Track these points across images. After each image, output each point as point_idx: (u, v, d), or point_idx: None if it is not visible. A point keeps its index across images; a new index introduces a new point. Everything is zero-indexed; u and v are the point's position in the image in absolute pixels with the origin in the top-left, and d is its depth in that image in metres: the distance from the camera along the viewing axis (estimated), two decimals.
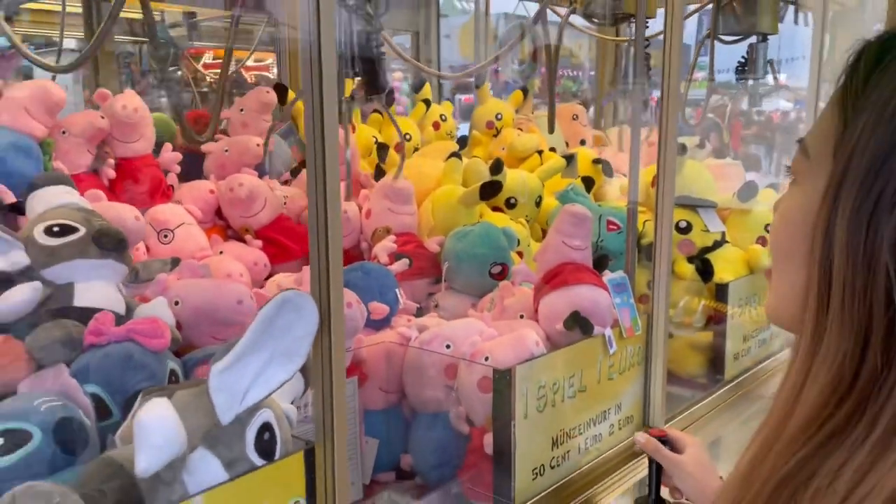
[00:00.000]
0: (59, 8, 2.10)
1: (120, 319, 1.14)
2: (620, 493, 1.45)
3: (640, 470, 1.47)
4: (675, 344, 1.80)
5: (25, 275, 1.15)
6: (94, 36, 1.17)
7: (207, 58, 3.26)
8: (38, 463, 0.86)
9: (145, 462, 0.74)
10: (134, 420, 0.76)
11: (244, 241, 1.90)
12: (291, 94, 2.14)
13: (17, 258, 1.13)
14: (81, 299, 1.16)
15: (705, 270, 1.90)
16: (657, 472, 1.30)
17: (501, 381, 1.24)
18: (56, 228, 1.18)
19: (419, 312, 1.69)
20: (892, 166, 0.55)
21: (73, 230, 1.19)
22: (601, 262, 1.84)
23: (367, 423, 1.40)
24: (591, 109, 3.48)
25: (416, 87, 2.56)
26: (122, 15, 3.30)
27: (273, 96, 2.07)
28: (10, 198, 1.47)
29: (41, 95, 1.60)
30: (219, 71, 3.22)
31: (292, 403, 0.99)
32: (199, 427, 0.84)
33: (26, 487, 0.70)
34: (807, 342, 0.60)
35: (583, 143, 3.02)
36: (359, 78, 1.44)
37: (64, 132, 1.68)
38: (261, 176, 2.00)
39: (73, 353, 1.06)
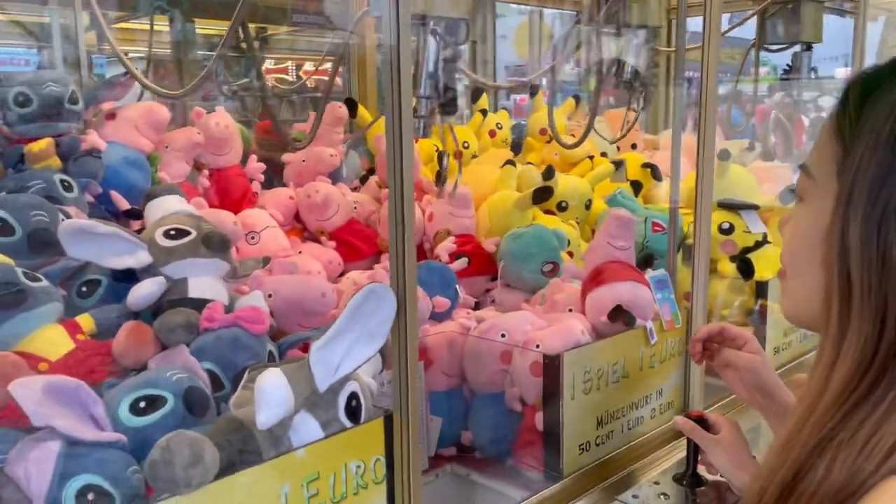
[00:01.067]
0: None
1: (224, 309, 1.35)
2: (661, 471, 1.60)
3: (679, 451, 1.62)
4: None
5: (148, 271, 1.37)
6: (206, 69, 1.38)
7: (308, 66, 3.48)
8: (171, 422, 1.06)
9: (264, 417, 0.94)
10: (255, 385, 0.96)
11: (319, 242, 2.11)
12: (361, 108, 2.35)
13: (142, 257, 1.35)
14: (194, 291, 1.37)
15: (746, 269, 2.02)
16: (695, 452, 1.44)
17: (551, 366, 1.40)
18: (173, 232, 1.40)
19: (477, 306, 1.88)
20: (893, 180, 0.68)
21: (187, 233, 1.41)
22: (647, 260, 1.99)
23: (432, 403, 1.58)
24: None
25: (474, 98, 2.74)
26: (202, 31, 3.54)
27: (345, 111, 2.27)
28: (125, 204, 1.71)
29: (148, 115, 1.84)
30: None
31: (373, 378, 1.18)
32: (302, 393, 1.03)
33: (177, 433, 0.91)
34: (834, 332, 0.73)
35: (634, 147, 3.15)
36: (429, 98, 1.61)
37: (167, 147, 1.92)
38: (334, 183, 2.21)
39: (190, 335, 1.27)
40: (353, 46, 2.41)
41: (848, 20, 2.87)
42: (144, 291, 1.29)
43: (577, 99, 3.09)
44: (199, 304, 1.34)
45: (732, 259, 2.12)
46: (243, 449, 0.97)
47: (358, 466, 1.08)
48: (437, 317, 1.70)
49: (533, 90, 2.84)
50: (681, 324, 1.69)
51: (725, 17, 2.58)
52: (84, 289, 1.39)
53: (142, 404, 1.06)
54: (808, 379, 0.76)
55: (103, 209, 1.71)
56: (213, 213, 1.65)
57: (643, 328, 1.58)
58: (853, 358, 0.70)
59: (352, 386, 1.08)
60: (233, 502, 0.94)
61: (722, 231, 2.14)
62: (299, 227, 2.16)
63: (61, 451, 0.94)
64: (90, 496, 0.94)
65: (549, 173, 2.16)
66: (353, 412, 1.08)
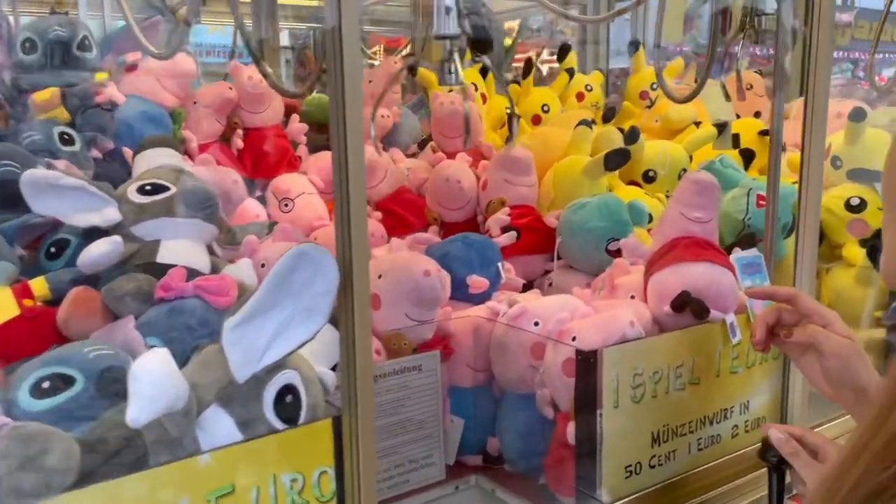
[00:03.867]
0: None
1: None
2: None
3: None
4: None
5: (118, 231, 1.19)
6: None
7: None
8: (78, 408, 0.87)
9: (135, 412, 0.71)
10: (130, 370, 0.74)
11: None
12: (422, 68, 2.10)
13: (109, 215, 1.18)
14: (165, 256, 1.18)
15: (877, 255, 1.61)
16: (779, 483, 1.10)
17: (586, 364, 1.10)
18: (148, 187, 1.22)
19: (526, 290, 1.58)
20: None
21: (164, 189, 1.22)
22: (748, 240, 1.63)
23: (454, 400, 1.32)
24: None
25: (560, 55, 2.41)
26: (289, 2, 3.38)
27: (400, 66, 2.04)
28: None
29: (172, 67, 1.68)
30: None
31: (333, 369, 0.94)
32: (215, 383, 0.81)
33: (19, 426, 0.71)
34: None
35: (757, 115, 2.71)
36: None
37: (195, 103, 1.76)
38: (387, 148, 1.98)
39: (143, 306, 1.08)
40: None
41: None
42: (96, 252, 1.11)
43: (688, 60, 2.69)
44: (167, 269, 1.15)
45: (863, 243, 1.70)
46: (125, 452, 0.76)
47: (293, 480, 0.84)
48: (474, 299, 1.42)
49: (633, 46, 2.47)
50: None
51: None
52: (53, 250, 1.24)
53: (45, 384, 0.88)
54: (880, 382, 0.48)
55: (116, 166, 1.57)
56: (212, 170, 1.45)
57: (722, 323, 1.24)
58: None
59: (287, 377, 0.84)
60: None
61: (850, 208, 1.73)
62: None
63: None
64: None
65: (632, 135, 1.82)
66: (288, 411, 0.84)
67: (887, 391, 0.49)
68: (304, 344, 0.82)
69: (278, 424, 0.83)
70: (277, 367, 0.83)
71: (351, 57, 0.80)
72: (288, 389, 0.84)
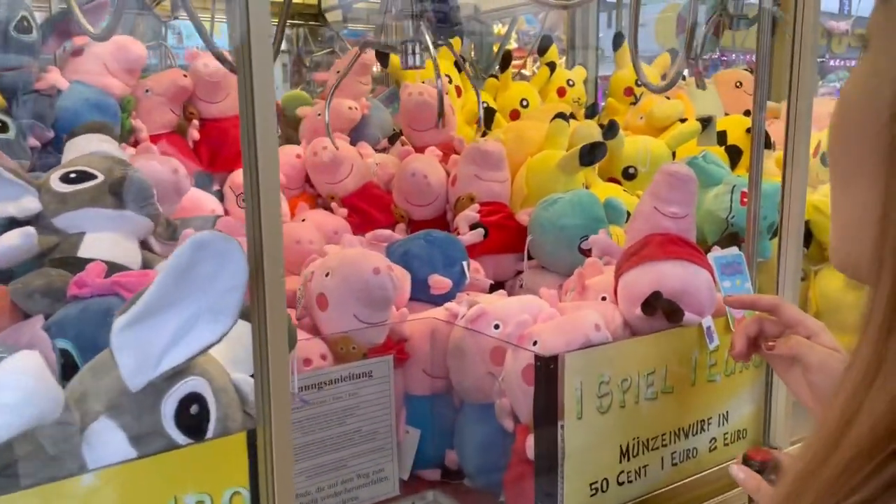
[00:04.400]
0: None
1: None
2: None
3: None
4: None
5: (38, 222, 1.09)
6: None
7: None
8: None
9: None
10: None
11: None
12: (393, 57, 2.00)
13: (27, 204, 1.08)
14: (88, 250, 1.08)
15: None
16: None
17: (545, 371, 1.00)
18: (73, 175, 1.12)
19: (493, 290, 1.48)
20: None
21: (91, 177, 1.12)
22: (731, 240, 1.54)
23: (410, 410, 1.22)
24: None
25: (541, 49, 2.31)
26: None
27: (371, 57, 1.94)
28: None
29: (120, 52, 1.58)
30: None
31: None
32: (104, 392, 0.71)
33: None
34: (883, 298, 0.38)
35: (747, 114, 2.61)
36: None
37: (147, 91, 1.66)
38: (354, 142, 1.88)
39: (56, 304, 0.98)
40: None
41: None
42: (4, 245, 1.00)
43: (675, 54, 2.59)
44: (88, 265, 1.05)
45: None
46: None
47: (199, 502, 0.74)
48: (437, 300, 1.32)
49: (618, 40, 2.38)
50: None
51: None
52: None
53: None
54: (835, 388, 0.40)
55: (57, 157, 1.46)
56: (151, 159, 1.35)
57: (698, 327, 1.14)
58: None
59: (191, 384, 0.74)
60: None
61: None
62: (312, 192, 1.85)
63: None
64: None
65: (611, 129, 1.73)
66: (193, 423, 0.74)
67: (841, 409, 0.39)
68: (209, 347, 0.72)
69: (181, 439, 0.73)
70: (179, 373, 0.73)
71: (262, 78, 0.69)
72: (193, 399, 0.74)
